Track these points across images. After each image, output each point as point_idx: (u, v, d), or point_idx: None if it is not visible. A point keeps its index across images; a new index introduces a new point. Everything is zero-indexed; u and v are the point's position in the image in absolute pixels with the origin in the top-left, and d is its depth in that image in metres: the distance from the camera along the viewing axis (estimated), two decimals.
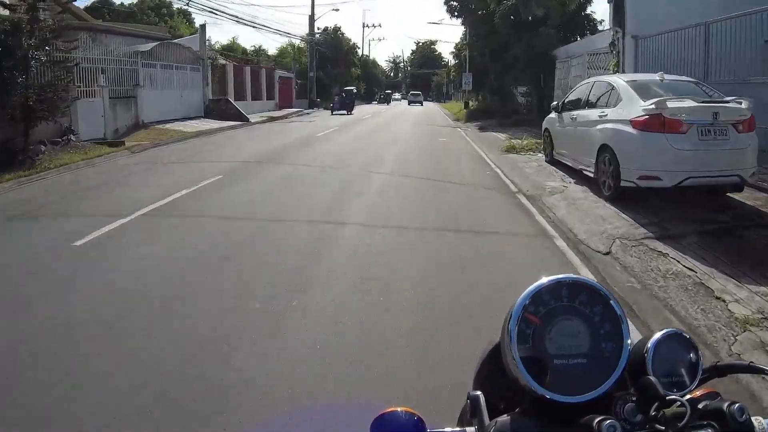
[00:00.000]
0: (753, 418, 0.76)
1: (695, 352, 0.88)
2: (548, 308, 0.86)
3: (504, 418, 0.82)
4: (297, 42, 42.19)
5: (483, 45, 27.53)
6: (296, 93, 38.93)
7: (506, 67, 23.85)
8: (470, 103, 33.72)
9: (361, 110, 37.75)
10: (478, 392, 0.89)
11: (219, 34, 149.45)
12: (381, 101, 59.99)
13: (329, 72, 48.09)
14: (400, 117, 31.13)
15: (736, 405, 0.75)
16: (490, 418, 0.84)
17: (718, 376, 0.93)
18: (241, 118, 23.31)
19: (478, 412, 0.86)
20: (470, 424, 0.86)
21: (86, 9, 49.85)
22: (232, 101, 24.73)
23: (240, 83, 28.56)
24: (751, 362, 0.92)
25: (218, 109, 23.71)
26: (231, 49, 50.04)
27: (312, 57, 39.45)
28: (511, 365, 0.82)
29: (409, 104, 59.22)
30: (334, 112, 32.42)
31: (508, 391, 0.87)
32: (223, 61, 27.50)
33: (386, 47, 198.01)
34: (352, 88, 37.83)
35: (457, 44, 41.08)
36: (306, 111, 34.65)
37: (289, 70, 39.96)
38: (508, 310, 0.85)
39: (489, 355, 0.98)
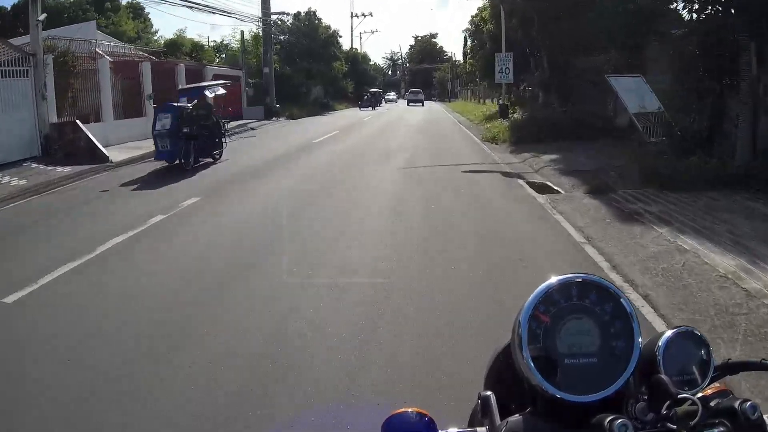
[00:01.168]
0: (766, 416, 0.76)
1: (706, 350, 0.88)
2: (558, 307, 0.85)
3: (515, 418, 0.82)
4: (253, 28, 30.09)
5: (529, 6, 15.69)
6: (250, 97, 26.96)
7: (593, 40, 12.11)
8: (510, 108, 19.94)
9: (321, 123, 23.76)
10: (489, 392, 0.87)
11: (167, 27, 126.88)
12: (365, 105, 41.15)
13: (300, 67, 36.03)
14: (383, 138, 17.21)
15: (748, 403, 0.74)
16: (501, 419, 0.83)
17: (729, 374, 0.93)
18: (94, 155, 12.13)
19: (489, 413, 0.84)
20: (481, 425, 0.86)
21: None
22: (84, 126, 13.02)
23: (131, 90, 16.88)
24: (763, 359, 0.92)
25: (65, 140, 12.61)
26: (175, 45, 37.80)
27: (267, 46, 27.33)
28: (522, 365, 0.82)
29: (408, 104, 50.91)
30: (162, 159, 11.01)
31: (519, 391, 0.87)
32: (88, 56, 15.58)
33: (383, 44, 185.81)
34: (205, 84, 14.67)
35: (475, 16, 28.63)
36: (254, 124, 22.72)
37: (237, 65, 28.04)
38: (519, 310, 0.85)
39: (500, 355, 0.97)
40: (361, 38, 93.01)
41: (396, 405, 1.63)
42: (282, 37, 37.74)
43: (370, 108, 40.31)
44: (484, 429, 0.83)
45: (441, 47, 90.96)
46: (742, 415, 0.72)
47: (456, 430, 0.83)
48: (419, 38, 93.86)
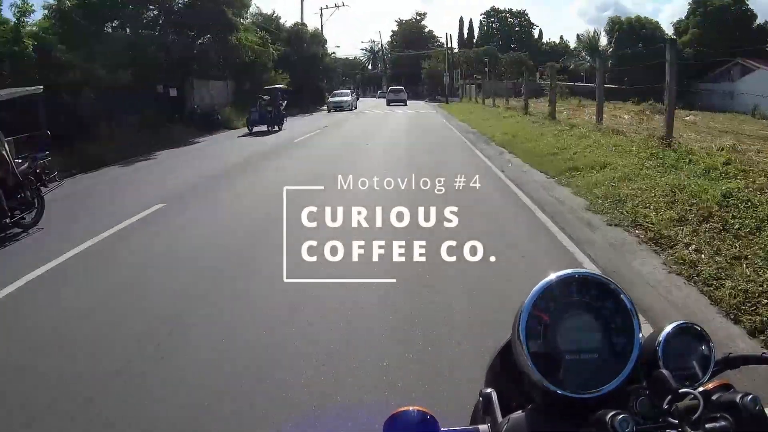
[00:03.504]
0: (767, 409, 0.76)
1: (707, 345, 0.89)
2: (558, 304, 0.85)
3: (517, 414, 0.82)
4: None
5: None
6: None
7: None
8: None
9: None
10: (491, 390, 0.88)
11: None
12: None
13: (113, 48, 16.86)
14: None
15: (749, 396, 0.75)
16: (503, 416, 0.83)
17: (730, 368, 0.93)
18: None
19: (491, 410, 0.85)
20: (483, 422, 0.86)
21: None
22: None
23: None
24: (763, 353, 0.91)
25: None
26: None
27: None
28: (523, 362, 0.82)
29: (388, 104, 41.02)
30: None
31: (520, 388, 0.87)
32: None
33: (362, 35, 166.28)
34: None
35: None
36: None
37: None
38: (519, 307, 0.85)
39: (501, 353, 0.97)
40: (321, 15, 62.75)
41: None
42: None
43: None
44: (486, 426, 0.84)
45: (431, 31, 72.77)
46: (744, 408, 0.73)
47: (458, 428, 0.83)
48: (403, 22, 75.15)
